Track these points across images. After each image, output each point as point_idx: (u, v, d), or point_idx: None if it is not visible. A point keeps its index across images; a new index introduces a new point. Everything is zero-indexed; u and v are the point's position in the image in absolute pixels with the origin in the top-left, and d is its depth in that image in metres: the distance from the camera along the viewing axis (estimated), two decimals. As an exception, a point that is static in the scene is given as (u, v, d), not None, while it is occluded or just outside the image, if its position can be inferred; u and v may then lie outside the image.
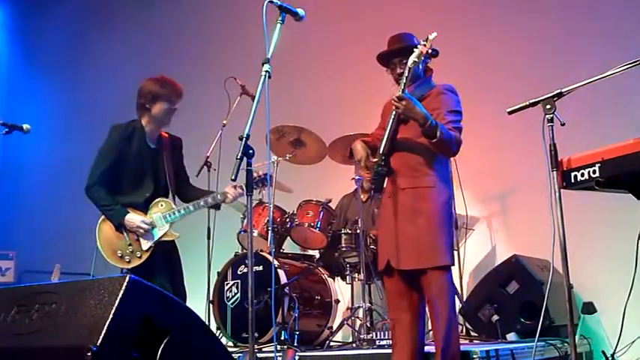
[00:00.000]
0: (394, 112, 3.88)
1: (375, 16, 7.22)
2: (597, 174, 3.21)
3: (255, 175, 3.32)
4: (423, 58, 3.80)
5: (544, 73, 6.08)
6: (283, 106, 6.35)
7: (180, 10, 8.81)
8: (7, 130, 4.75)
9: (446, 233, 3.85)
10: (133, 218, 4.45)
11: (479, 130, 6.06)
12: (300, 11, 3.48)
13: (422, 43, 3.79)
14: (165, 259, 4.56)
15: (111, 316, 2.38)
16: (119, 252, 4.46)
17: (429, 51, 3.79)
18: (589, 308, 5.24)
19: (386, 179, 3.98)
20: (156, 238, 4.51)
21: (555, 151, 3.27)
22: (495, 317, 5.39)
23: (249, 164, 3.15)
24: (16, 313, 2.79)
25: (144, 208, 4.55)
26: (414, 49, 3.80)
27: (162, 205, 4.58)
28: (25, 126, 4.80)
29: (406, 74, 3.80)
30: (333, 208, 6.16)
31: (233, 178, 3.13)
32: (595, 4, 6.31)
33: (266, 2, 3.33)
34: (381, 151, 3.92)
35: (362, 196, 5.78)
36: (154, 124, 4.62)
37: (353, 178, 5.93)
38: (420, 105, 3.74)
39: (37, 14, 9.88)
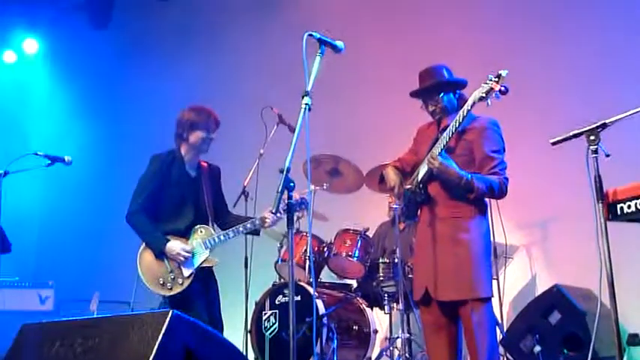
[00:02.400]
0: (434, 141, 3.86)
1: (414, 43, 7.21)
2: (645, 206, 3.15)
3: (294, 197, 3.31)
4: (493, 95, 3.65)
5: (588, 99, 6.00)
6: (320, 135, 6.37)
7: (219, 41, 8.90)
8: (49, 162, 4.84)
9: (486, 264, 3.81)
10: (174, 245, 4.49)
11: (519, 157, 6.00)
12: (340, 44, 3.49)
13: (493, 79, 3.66)
14: (203, 286, 4.60)
15: (154, 352, 2.39)
16: (161, 279, 4.50)
17: (502, 88, 3.64)
18: (634, 340, 5.12)
19: (420, 207, 3.95)
20: (196, 265, 4.55)
21: (600, 183, 3.20)
22: (537, 348, 5.28)
23: (289, 197, 3.14)
24: (60, 346, 2.81)
25: (185, 235, 4.59)
26: (483, 85, 3.68)
27: (201, 232, 4.62)
28: (67, 158, 4.90)
29: (466, 111, 3.73)
30: (371, 237, 6.12)
31: (274, 211, 3.14)
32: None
33: (306, 35, 3.34)
34: (419, 179, 3.89)
35: (399, 225, 5.75)
36: (193, 152, 4.69)
37: (390, 207, 5.91)
38: (454, 164, 3.71)
39: (74, 45, 10.05)
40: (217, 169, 4.90)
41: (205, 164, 4.83)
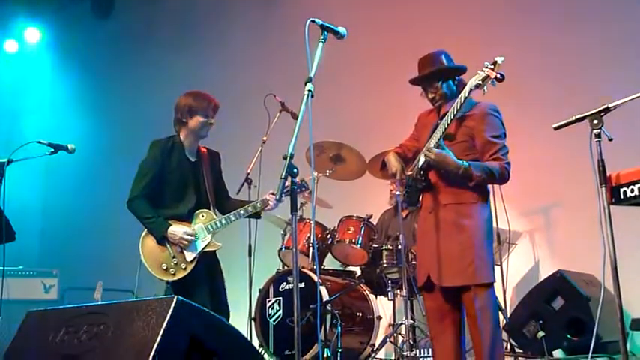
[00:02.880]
0: (435, 127, 3.86)
1: (414, 30, 7.20)
2: (648, 190, 3.15)
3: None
4: (489, 82, 3.63)
5: (589, 86, 5.98)
6: (323, 122, 6.36)
7: (221, 30, 8.88)
8: (52, 150, 4.84)
9: (488, 250, 3.81)
10: (176, 230, 4.47)
11: (521, 144, 5.99)
12: (342, 30, 3.47)
13: (488, 66, 3.64)
14: (207, 270, 4.58)
15: (159, 337, 2.40)
16: (164, 265, 4.47)
17: (497, 75, 3.62)
18: (638, 324, 5.13)
19: (422, 194, 3.95)
20: (199, 249, 4.52)
21: (603, 167, 3.20)
22: (541, 333, 5.30)
23: (293, 183, 3.14)
24: (65, 333, 2.82)
25: (187, 220, 4.58)
26: (479, 72, 3.67)
27: (203, 216, 4.60)
28: (70, 146, 4.89)
29: (463, 98, 3.71)
30: (374, 223, 6.13)
31: (278, 198, 3.14)
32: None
33: (308, 21, 3.33)
34: (420, 166, 3.89)
35: (402, 212, 5.75)
36: (192, 137, 4.67)
37: (391, 195, 5.91)
38: (451, 154, 3.71)
39: (76, 34, 10.05)
40: (217, 155, 4.89)
41: (205, 150, 4.81)
